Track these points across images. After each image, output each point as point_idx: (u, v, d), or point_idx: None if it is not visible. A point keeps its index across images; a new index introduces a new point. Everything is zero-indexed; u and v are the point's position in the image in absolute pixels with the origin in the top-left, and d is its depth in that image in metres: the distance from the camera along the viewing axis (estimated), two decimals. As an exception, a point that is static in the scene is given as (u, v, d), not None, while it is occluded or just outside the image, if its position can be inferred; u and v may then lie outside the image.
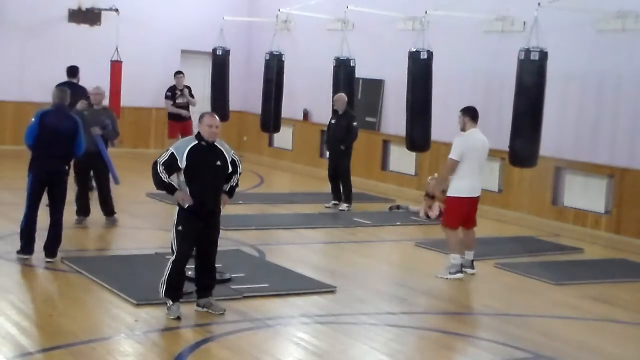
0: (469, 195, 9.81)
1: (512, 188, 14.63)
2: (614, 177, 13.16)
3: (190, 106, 17.17)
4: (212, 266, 7.80)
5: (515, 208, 14.45)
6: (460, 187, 9.74)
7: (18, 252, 9.36)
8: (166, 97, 17.09)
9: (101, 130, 11.29)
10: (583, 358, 7.36)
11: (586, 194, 13.53)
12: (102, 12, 19.21)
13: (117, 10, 19.08)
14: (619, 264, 11.31)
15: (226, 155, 7.66)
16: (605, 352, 7.52)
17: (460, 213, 9.83)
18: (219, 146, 7.65)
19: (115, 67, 18.40)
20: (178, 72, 17.45)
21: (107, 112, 11.89)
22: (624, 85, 13.08)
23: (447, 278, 9.70)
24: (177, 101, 17.05)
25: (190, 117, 17.06)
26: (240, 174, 7.81)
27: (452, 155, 9.73)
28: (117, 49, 18.46)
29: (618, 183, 13.10)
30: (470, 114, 9.92)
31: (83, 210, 11.50)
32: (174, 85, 17.16)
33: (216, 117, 7.67)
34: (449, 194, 9.88)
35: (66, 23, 19.06)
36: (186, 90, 17.12)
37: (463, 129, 9.88)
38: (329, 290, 8.86)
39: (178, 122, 16.96)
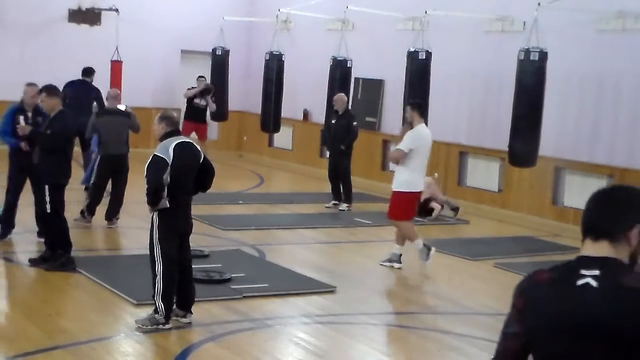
0: (420, 190, 10.23)
1: (511, 188, 14.63)
2: (614, 177, 13.17)
3: (208, 110, 17.36)
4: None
5: (515, 208, 14.45)
6: (413, 182, 9.88)
7: None
8: (188, 89, 17.37)
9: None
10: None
11: (586, 194, 13.30)
12: (102, 12, 19.21)
13: (117, 10, 19.08)
14: (619, 264, 11.29)
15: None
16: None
17: (414, 206, 10.23)
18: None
19: (115, 67, 18.41)
20: (200, 77, 17.57)
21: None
22: (624, 86, 13.08)
23: (428, 262, 9.96)
24: (194, 101, 17.19)
25: (206, 122, 17.28)
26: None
27: (402, 146, 9.80)
28: (117, 49, 18.47)
29: (618, 183, 13.10)
30: (420, 109, 10.09)
31: (94, 210, 11.46)
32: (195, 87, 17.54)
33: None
34: (404, 189, 9.89)
35: (66, 23, 19.05)
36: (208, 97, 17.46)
37: (411, 124, 9.92)
38: (329, 290, 8.86)
39: (192, 124, 17.06)
